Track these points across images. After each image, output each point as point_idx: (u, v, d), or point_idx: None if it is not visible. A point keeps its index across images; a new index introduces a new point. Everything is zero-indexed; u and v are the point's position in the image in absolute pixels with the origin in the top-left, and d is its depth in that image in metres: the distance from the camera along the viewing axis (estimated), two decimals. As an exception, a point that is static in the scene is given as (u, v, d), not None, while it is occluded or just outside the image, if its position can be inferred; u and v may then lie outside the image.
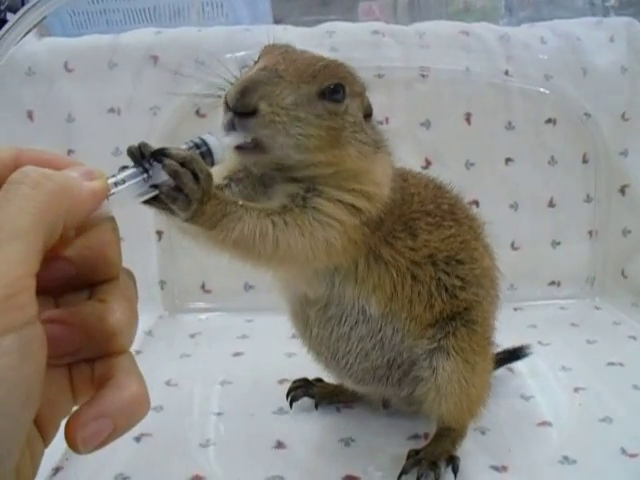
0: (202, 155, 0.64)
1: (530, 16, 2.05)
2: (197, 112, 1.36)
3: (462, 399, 0.89)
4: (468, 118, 1.41)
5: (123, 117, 1.40)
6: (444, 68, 1.38)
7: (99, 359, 0.50)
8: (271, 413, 1.07)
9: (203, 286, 1.46)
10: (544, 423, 1.05)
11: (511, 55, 1.40)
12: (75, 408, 0.49)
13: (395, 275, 0.84)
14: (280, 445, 0.99)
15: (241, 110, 0.68)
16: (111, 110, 1.40)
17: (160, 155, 0.60)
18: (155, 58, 1.39)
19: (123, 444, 0.96)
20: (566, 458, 0.94)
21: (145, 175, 0.58)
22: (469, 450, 0.97)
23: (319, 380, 1.10)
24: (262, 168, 0.77)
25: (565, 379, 1.18)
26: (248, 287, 1.43)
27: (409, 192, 0.87)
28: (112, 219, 0.53)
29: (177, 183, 0.62)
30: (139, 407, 0.49)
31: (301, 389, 1.09)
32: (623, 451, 0.96)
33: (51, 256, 0.46)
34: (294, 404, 1.07)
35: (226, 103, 0.69)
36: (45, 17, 1.06)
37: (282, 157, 0.73)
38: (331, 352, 0.90)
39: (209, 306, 1.46)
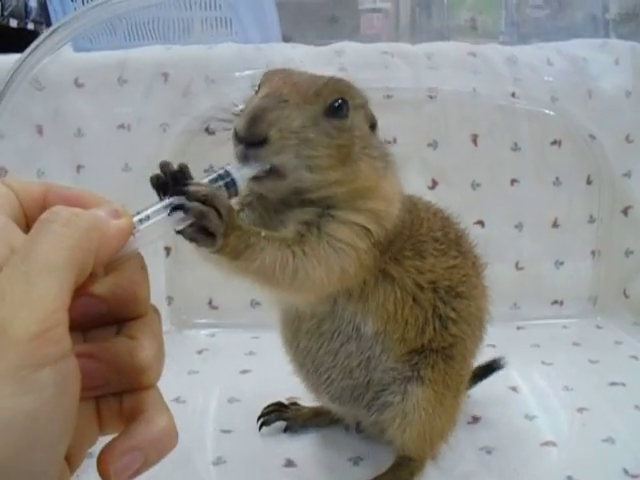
0: (226, 186, 0.65)
1: (531, 32, 2.06)
2: (207, 129, 1.37)
3: (426, 429, 0.89)
4: (475, 139, 1.42)
5: (133, 133, 1.40)
6: (452, 89, 1.39)
7: (127, 393, 0.51)
8: (280, 431, 1.08)
9: (210, 302, 1.47)
10: (548, 443, 1.06)
11: (518, 77, 1.42)
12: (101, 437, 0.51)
13: (399, 294, 0.84)
14: (290, 464, 0.99)
15: (252, 140, 0.69)
16: (121, 126, 1.40)
17: (181, 194, 0.60)
18: (165, 75, 1.40)
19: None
20: (570, 478, 0.95)
21: (168, 212, 0.58)
22: (474, 469, 0.99)
23: (294, 404, 1.11)
24: (279, 194, 0.78)
25: (568, 399, 1.19)
26: (254, 304, 1.44)
27: (419, 216, 0.88)
28: (140, 256, 0.53)
29: (202, 223, 0.63)
30: (169, 441, 0.50)
31: (274, 413, 1.09)
32: (625, 472, 0.97)
33: (82, 293, 0.47)
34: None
35: (236, 135, 0.70)
36: (70, 40, 1.06)
37: (297, 180, 0.73)
38: (315, 365, 0.91)
39: (216, 322, 1.47)
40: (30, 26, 2.51)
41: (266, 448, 1.04)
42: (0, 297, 0.41)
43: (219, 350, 1.38)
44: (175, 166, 0.64)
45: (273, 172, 0.71)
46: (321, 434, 1.08)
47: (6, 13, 2.52)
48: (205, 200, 0.62)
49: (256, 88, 0.78)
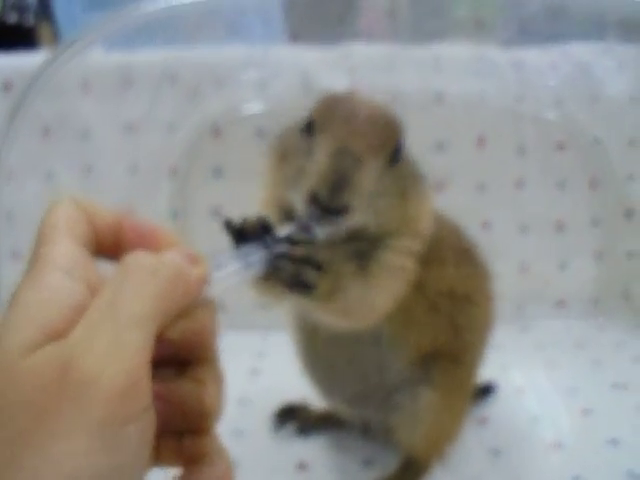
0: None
1: (528, 29, 2.06)
2: (215, 131, 1.37)
3: (434, 429, 0.92)
4: (481, 142, 1.43)
5: (140, 135, 1.40)
6: (458, 93, 1.40)
7: (187, 433, 0.51)
8: (293, 433, 1.10)
9: (219, 303, 1.47)
10: (554, 445, 1.08)
11: (524, 80, 1.43)
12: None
13: (419, 299, 0.85)
14: (302, 466, 1.02)
15: (334, 207, 0.66)
16: (128, 127, 1.40)
17: (281, 258, 0.62)
18: (172, 76, 1.40)
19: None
20: (576, 479, 0.98)
21: (248, 260, 0.58)
22: (482, 471, 1.02)
23: (304, 406, 1.12)
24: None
25: (572, 401, 1.21)
26: (263, 304, 1.45)
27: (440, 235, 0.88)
28: (213, 303, 0.52)
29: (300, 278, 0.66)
30: None
31: (286, 416, 1.11)
32: (630, 473, 0.99)
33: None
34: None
35: (312, 197, 0.66)
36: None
37: (362, 230, 0.73)
38: (330, 371, 0.93)
39: (225, 323, 1.46)
40: (29, 22, 2.48)
41: (278, 450, 1.06)
42: (88, 345, 0.39)
43: (228, 350, 1.36)
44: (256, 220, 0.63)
45: None
46: (332, 437, 1.10)
47: (5, 9, 2.49)
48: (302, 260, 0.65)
49: (310, 117, 0.73)
